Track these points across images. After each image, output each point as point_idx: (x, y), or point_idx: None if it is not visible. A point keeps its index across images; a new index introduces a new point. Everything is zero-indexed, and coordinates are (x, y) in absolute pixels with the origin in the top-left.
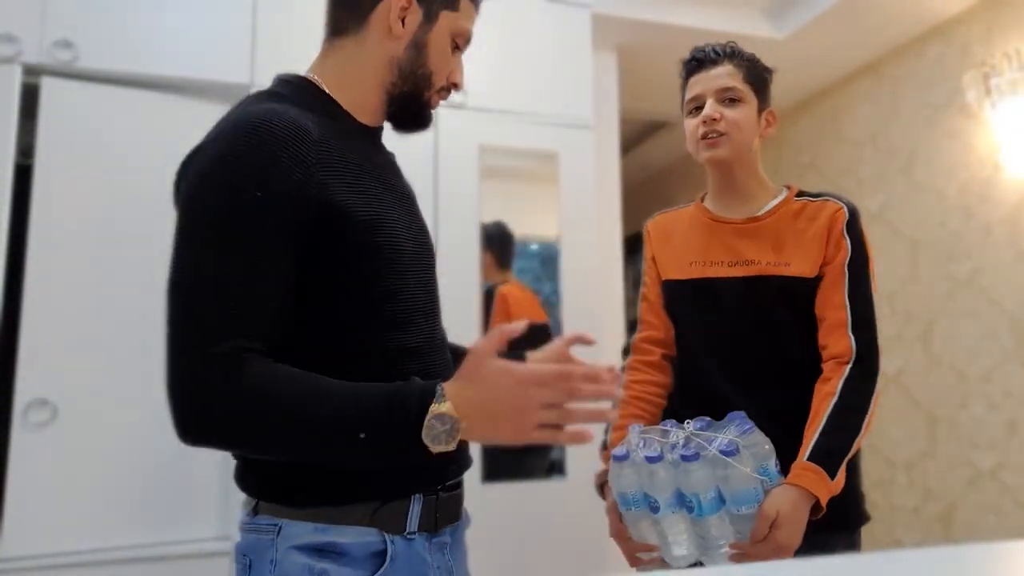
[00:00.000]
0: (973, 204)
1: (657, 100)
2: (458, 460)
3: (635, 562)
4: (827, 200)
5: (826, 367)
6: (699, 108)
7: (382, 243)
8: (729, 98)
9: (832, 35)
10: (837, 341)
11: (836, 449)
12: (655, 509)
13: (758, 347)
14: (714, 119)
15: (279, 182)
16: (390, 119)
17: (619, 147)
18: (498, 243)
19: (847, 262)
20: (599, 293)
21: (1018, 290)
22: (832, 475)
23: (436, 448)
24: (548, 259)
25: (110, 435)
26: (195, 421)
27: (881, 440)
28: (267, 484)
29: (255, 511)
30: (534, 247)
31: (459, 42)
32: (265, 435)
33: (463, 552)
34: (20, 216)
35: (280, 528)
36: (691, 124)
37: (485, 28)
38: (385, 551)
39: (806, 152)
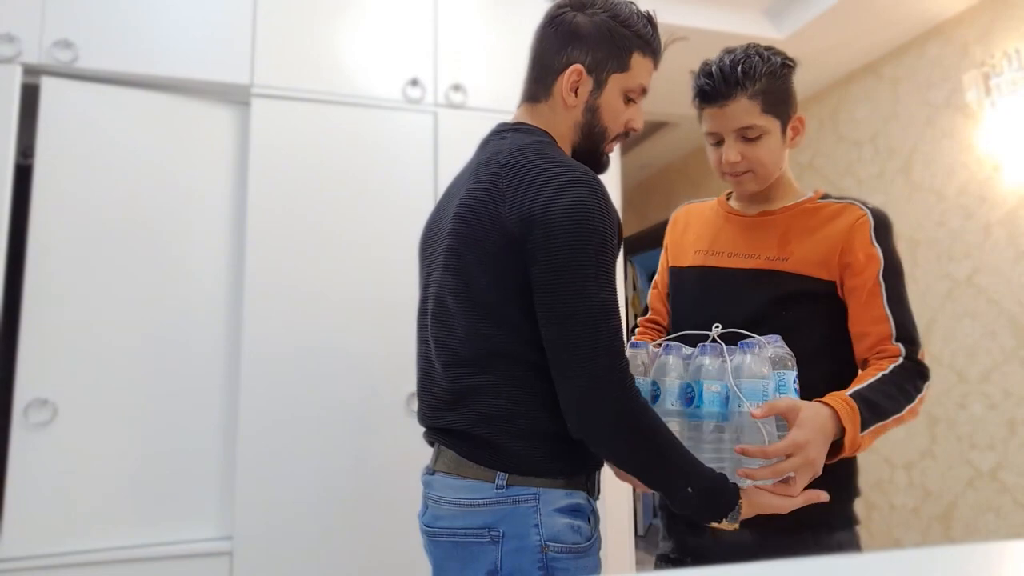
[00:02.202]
0: (972, 204)
1: (657, 100)
2: None
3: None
4: (850, 203)
5: (872, 363)
6: (719, 141)
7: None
8: (748, 136)
9: (832, 35)
10: (884, 349)
11: (875, 405)
12: (655, 398)
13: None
14: (736, 162)
15: (616, 232)
16: None
17: (619, 147)
18: None
19: (881, 273)
20: None
21: (1017, 290)
22: (862, 426)
23: (723, 524)
24: None
25: (110, 435)
26: (610, 420)
27: (881, 440)
28: (523, 461)
29: (507, 484)
30: None
31: (633, 96)
32: (642, 445)
33: None
34: (20, 216)
35: (539, 496)
36: (713, 156)
37: (485, 28)
38: (593, 509)
39: (806, 152)
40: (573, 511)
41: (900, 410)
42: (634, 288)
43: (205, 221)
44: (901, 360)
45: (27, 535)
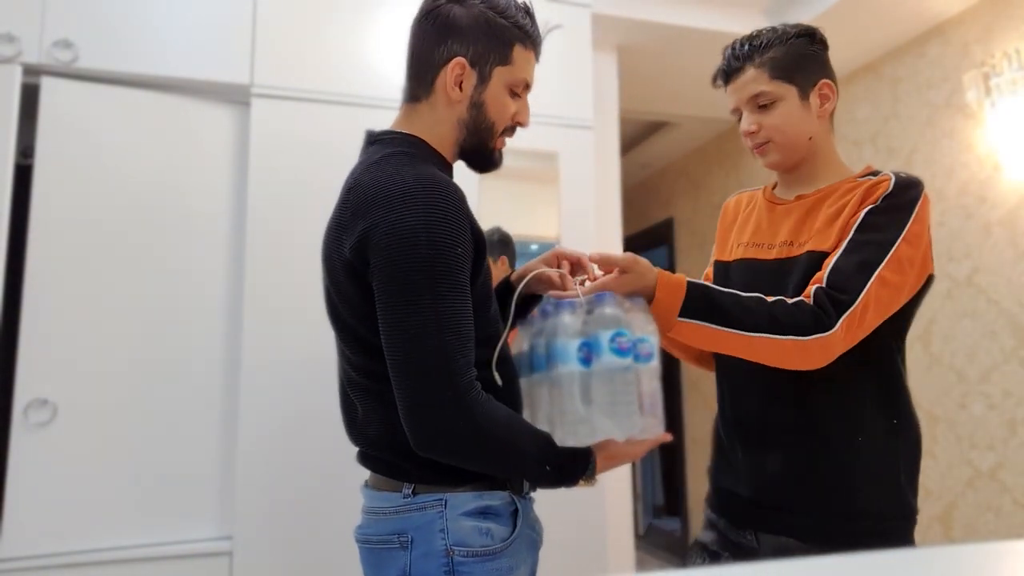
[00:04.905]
0: (972, 204)
1: (657, 100)
2: None
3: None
4: (888, 174)
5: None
6: (741, 117)
7: (487, 271)
8: (761, 104)
9: (832, 35)
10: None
11: (718, 306)
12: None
13: None
14: (752, 132)
15: (465, 238)
16: (466, 164)
17: (619, 147)
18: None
19: (857, 225)
20: None
21: (1018, 290)
22: (687, 308)
23: (584, 484)
24: None
25: (110, 435)
26: (445, 440)
27: None
28: (428, 469)
29: (414, 493)
30: (534, 247)
31: (517, 90)
32: (488, 452)
33: None
34: (20, 216)
35: (446, 501)
36: (742, 133)
37: None
38: (517, 510)
39: None
40: (482, 514)
41: (751, 329)
42: None
43: (205, 221)
44: (803, 298)
45: (27, 535)
